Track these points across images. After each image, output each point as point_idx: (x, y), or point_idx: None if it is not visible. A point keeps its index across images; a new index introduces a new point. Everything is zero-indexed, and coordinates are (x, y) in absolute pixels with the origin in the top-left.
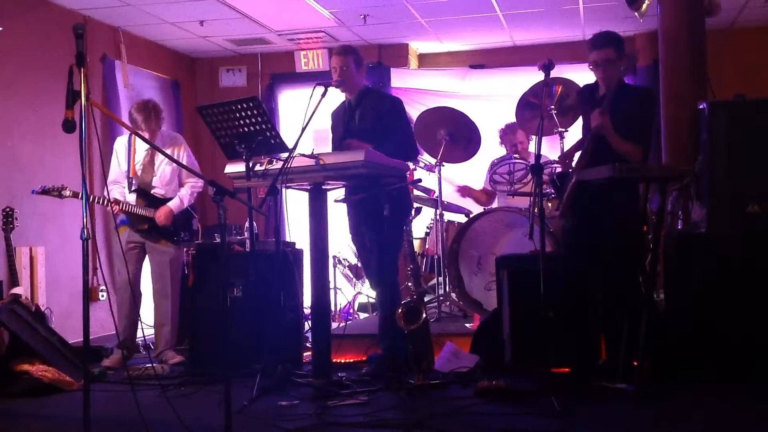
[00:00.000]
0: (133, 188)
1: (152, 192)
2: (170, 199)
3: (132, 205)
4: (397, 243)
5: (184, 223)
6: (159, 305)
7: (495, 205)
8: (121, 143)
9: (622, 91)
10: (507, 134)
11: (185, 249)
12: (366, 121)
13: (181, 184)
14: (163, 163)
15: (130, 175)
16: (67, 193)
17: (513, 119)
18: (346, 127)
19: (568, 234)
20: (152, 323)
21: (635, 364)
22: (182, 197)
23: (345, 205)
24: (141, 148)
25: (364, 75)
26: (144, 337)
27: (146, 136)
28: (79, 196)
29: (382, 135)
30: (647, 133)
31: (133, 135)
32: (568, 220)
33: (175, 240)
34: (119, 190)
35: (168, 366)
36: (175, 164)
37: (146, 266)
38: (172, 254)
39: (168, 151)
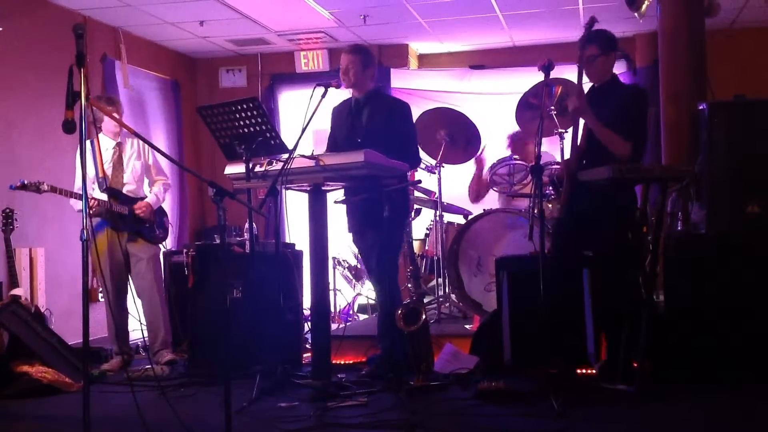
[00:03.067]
0: (103, 188)
1: (123, 191)
2: (141, 197)
3: (105, 202)
4: (396, 243)
5: (158, 221)
6: (149, 314)
7: (495, 206)
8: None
9: (611, 87)
10: (516, 142)
11: (185, 250)
12: (373, 122)
13: (152, 182)
14: (132, 158)
15: (100, 176)
16: (45, 187)
17: (513, 120)
18: (352, 125)
19: (560, 234)
20: (145, 325)
21: (635, 365)
22: (157, 194)
23: (344, 205)
24: (107, 147)
25: (373, 77)
26: (143, 338)
27: (114, 128)
28: (57, 191)
29: (389, 137)
30: (637, 130)
31: (96, 137)
32: (563, 221)
33: (151, 237)
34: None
35: (167, 367)
36: (142, 160)
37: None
38: (150, 253)
39: (135, 147)
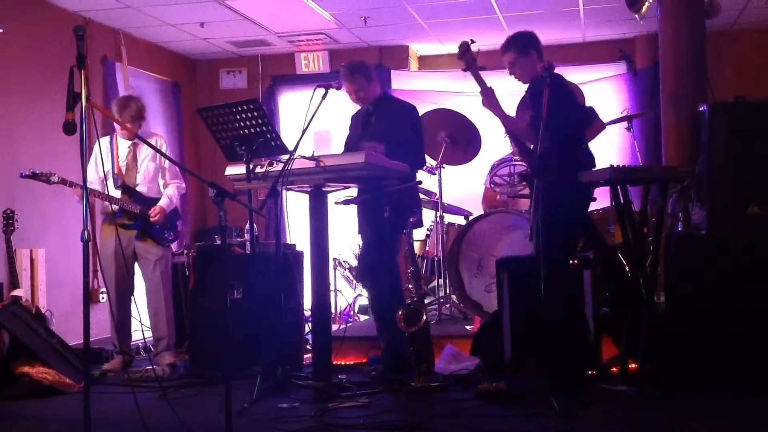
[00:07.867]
0: (118, 184)
1: (137, 190)
2: (155, 197)
3: (118, 199)
4: (393, 244)
5: (169, 224)
6: (154, 315)
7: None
8: (102, 143)
9: (534, 84)
10: None
11: (185, 251)
12: (380, 126)
13: (165, 185)
14: (146, 159)
15: (115, 173)
16: (55, 179)
17: None
18: (362, 132)
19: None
20: (149, 326)
21: (636, 365)
22: (170, 196)
23: (344, 206)
24: (123, 146)
25: (376, 82)
26: (144, 339)
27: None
28: (67, 184)
29: (393, 140)
30: (556, 119)
31: (114, 135)
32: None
33: (160, 238)
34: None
35: (168, 368)
36: (157, 162)
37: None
38: (159, 255)
39: (151, 149)
